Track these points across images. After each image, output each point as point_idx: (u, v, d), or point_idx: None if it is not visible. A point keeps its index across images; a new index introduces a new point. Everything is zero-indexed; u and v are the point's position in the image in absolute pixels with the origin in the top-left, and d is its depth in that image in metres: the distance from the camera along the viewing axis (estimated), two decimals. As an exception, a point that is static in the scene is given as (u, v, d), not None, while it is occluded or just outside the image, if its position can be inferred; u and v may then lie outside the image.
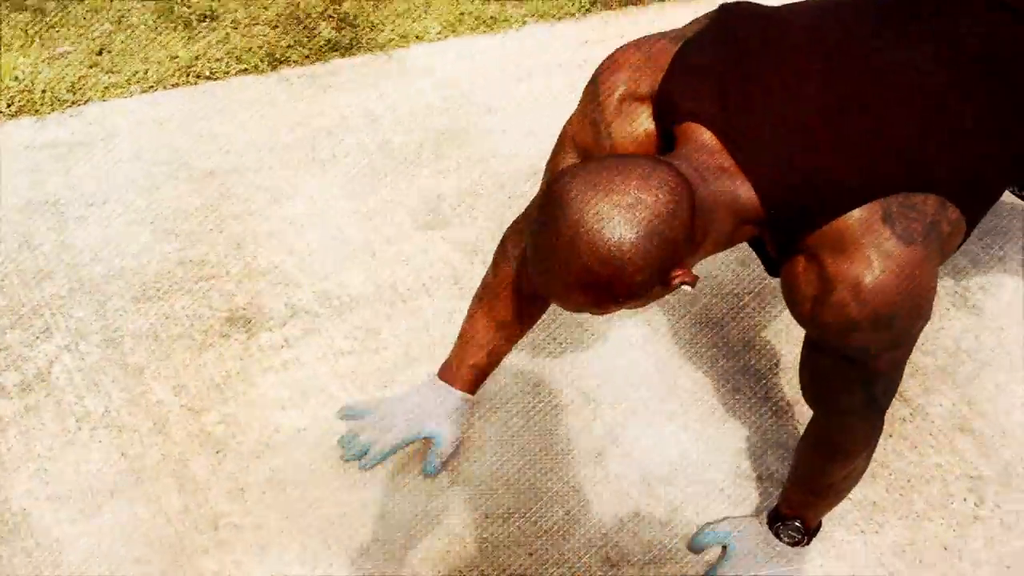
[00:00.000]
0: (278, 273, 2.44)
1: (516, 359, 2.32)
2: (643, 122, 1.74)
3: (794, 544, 2.10)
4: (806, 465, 2.00)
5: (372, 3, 2.86)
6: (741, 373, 2.36)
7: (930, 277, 1.63)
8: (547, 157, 1.88)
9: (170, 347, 2.31)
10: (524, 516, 2.11)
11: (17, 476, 2.12)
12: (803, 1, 1.81)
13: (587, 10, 3.05)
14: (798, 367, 1.85)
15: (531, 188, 2.61)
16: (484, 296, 2.08)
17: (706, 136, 1.64)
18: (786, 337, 2.43)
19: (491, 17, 2.80)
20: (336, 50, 2.74)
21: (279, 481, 2.13)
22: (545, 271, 1.56)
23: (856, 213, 1.58)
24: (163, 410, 2.22)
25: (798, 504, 2.07)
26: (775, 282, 2.06)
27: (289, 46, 2.66)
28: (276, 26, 2.65)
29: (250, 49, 2.59)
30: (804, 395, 1.88)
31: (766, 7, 1.75)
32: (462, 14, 2.81)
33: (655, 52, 1.73)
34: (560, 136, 1.87)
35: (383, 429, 2.17)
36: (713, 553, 2.13)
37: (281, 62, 2.74)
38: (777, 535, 2.10)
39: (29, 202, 2.54)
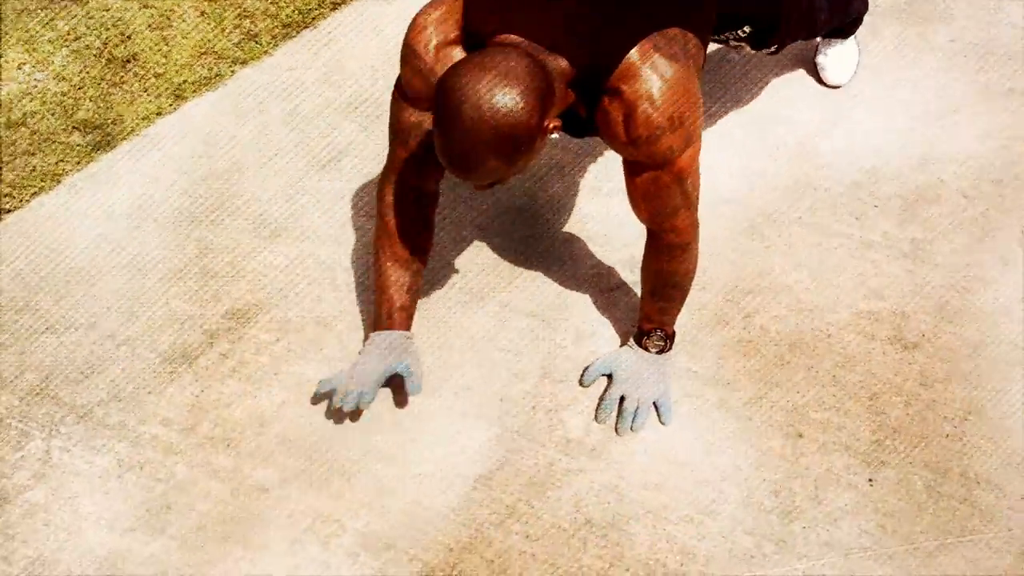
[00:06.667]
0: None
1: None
2: (458, 58, 2.42)
3: (660, 352, 2.67)
4: (655, 277, 2.60)
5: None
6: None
7: (694, 82, 2.40)
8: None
9: (135, 399, 2.76)
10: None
11: (85, 537, 2.54)
12: None
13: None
14: (630, 205, 2.50)
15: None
16: (383, 245, 2.66)
17: (515, 39, 2.31)
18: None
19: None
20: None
21: (290, 440, 2.68)
22: (459, 151, 2.18)
23: (634, 52, 2.36)
24: (164, 439, 2.68)
25: (656, 315, 2.66)
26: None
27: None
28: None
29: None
30: (640, 218, 2.52)
31: None
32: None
33: (450, 5, 2.41)
34: (393, 95, 2.54)
35: (361, 379, 2.59)
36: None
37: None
38: (646, 348, 2.68)
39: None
